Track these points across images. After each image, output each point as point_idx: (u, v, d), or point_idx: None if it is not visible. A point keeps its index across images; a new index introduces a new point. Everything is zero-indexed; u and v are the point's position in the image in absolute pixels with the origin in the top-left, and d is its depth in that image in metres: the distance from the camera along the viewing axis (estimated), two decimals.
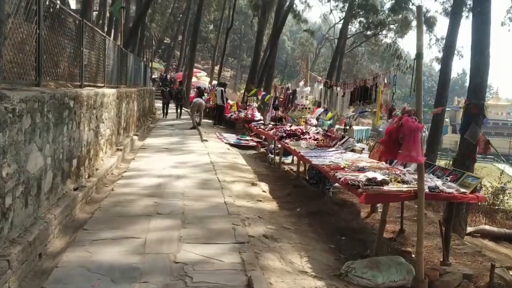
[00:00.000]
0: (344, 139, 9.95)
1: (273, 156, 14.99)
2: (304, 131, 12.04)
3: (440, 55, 39.09)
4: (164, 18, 59.45)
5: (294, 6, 36.28)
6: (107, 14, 34.68)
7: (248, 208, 8.28)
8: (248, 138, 18.20)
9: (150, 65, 53.29)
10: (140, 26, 33.18)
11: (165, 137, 17.62)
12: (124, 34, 27.35)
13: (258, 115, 20.73)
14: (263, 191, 9.75)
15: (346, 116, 10.72)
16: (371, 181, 6.15)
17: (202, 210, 7.82)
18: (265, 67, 30.83)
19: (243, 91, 38.50)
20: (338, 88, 10.18)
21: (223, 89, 22.70)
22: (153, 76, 49.37)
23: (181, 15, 58.57)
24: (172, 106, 27.54)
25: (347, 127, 12.41)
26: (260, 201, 8.93)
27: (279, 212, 8.34)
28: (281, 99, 14.74)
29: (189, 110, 25.86)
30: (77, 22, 8.99)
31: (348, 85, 9.60)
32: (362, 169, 7.24)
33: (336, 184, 8.89)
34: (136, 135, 17.03)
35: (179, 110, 25.96)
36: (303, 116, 12.65)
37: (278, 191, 9.98)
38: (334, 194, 10.39)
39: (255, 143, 17.19)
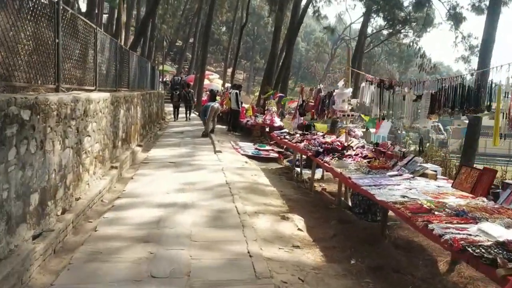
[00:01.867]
0: (409, 158, 7.26)
1: (299, 170, 12.36)
2: (345, 144, 9.37)
3: (466, 53, 36.25)
4: (176, 19, 57.09)
5: (313, 1, 33.69)
6: (115, 15, 32.30)
7: (283, 262, 5.71)
8: (268, 147, 15.57)
9: (161, 68, 51.10)
10: (149, 25, 30.80)
11: (172, 148, 15.05)
12: (133, 34, 25.14)
13: (278, 121, 18.10)
14: (299, 229, 7.14)
15: (424, 129, 7.94)
16: (504, 247, 3.49)
17: (217, 268, 5.31)
18: (281, 68, 28.24)
19: (257, 93, 35.87)
20: (406, 89, 7.47)
21: (237, 91, 20.11)
22: (165, 79, 47.18)
23: (192, 17, 56.20)
24: (182, 110, 26.72)
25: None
26: (297, 247, 6.35)
27: (327, 268, 5.72)
28: (312, 104, 12.09)
29: (198, 113, 26.06)
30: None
31: (425, 85, 6.90)
32: (462, 214, 4.57)
33: (391, 213, 6.28)
34: (139, 145, 14.51)
35: (188, 112, 26.03)
36: (343, 126, 9.88)
37: (318, 229, 7.34)
38: (390, 230, 7.74)
39: (276, 154, 14.54)
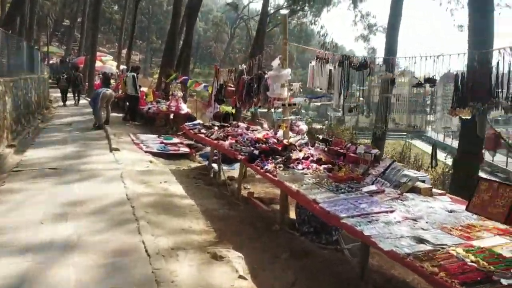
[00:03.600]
0: (385, 164, 5.16)
1: (216, 168, 9.98)
2: (286, 142, 7.09)
3: (365, 32, 35.96)
4: None
5: None
6: None
7: None
8: (175, 140, 12.91)
9: (46, 49, 45.43)
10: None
11: (57, 146, 11.79)
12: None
13: (184, 107, 15.40)
14: (240, 276, 4.77)
15: (447, 130, 5.73)
16: None
17: None
18: (183, 47, 25.29)
19: (156, 76, 32.55)
20: (397, 70, 5.26)
21: (135, 74, 16.99)
22: (51, 62, 41.98)
23: None
24: (71, 95, 24.37)
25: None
26: None
27: None
28: (231, 88, 9.63)
29: (88, 98, 24.28)
30: None
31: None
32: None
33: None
34: (11, 145, 11.14)
35: (76, 97, 24.15)
36: (282, 117, 7.48)
37: (268, 272, 5.03)
38: (352, 255, 5.67)
39: (187, 149, 11.95)
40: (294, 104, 7.18)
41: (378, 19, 36.01)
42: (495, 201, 3.99)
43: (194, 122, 11.07)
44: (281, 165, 5.91)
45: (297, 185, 5.10)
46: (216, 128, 9.36)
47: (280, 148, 6.73)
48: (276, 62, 7.22)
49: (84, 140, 12.83)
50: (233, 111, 10.88)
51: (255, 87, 8.09)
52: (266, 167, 5.97)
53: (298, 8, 35.70)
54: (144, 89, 20.97)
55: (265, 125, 15.76)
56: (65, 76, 24.77)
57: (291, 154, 6.30)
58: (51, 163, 9.77)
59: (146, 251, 5.22)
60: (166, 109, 15.45)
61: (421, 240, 3.49)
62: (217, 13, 62.82)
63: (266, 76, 7.63)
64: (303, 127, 7.49)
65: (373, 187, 4.84)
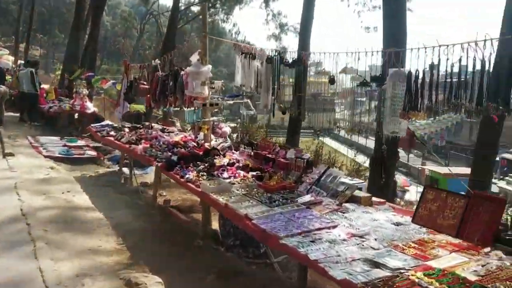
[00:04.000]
0: (321, 171, 4.67)
1: (128, 172, 9.10)
2: (208, 146, 6.39)
3: (277, 31, 36.11)
4: None
5: None
6: None
7: None
8: (80, 143, 11.69)
9: None
10: None
11: None
12: None
13: (90, 106, 14.07)
14: None
15: (392, 133, 5.04)
16: None
17: None
18: (88, 42, 23.52)
19: (59, 72, 30.17)
20: (337, 67, 4.70)
21: (33, 70, 15.28)
22: None
23: None
24: None
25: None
26: None
27: None
28: (144, 86, 8.66)
29: None
30: None
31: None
32: None
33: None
34: None
35: None
36: (203, 119, 6.71)
37: None
38: (283, 269, 5.17)
39: (94, 152, 10.81)
40: (217, 104, 6.50)
41: (289, 18, 36.15)
42: (444, 212, 3.63)
43: (102, 123, 9.97)
44: (204, 173, 5.22)
45: (225, 197, 4.45)
46: (126, 130, 8.40)
47: (201, 153, 6.03)
48: (195, 58, 6.50)
49: None
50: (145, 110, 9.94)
51: (170, 85, 7.28)
52: (187, 175, 5.24)
53: (210, 5, 34.92)
54: (45, 86, 19.11)
55: (178, 124, 14.97)
56: None
57: (214, 160, 5.63)
58: None
59: (44, 281, 4.32)
60: (70, 108, 14.03)
61: (375, 264, 3.00)
62: (126, 8, 60.15)
63: (182, 73, 6.87)
64: (227, 129, 6.81)
65: (308, 197, 4.33)
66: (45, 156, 10.09)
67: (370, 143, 39.65)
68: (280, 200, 4.29)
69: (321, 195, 4.44)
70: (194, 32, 54.78)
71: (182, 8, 43.90)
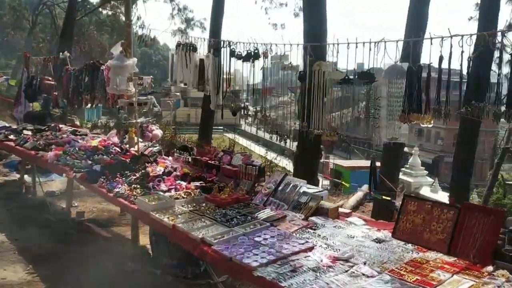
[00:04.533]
0: (278, 179, 4.07)
1: (30, 180, 7.86)
2: (133, 151, 5.49)
3: (183, 26, 34.97)
4: None
5: None
6: None
7: None
8: None
9: None
10: None
11: None
12: None
13: None
14: None
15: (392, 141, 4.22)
16: None
17: None
18: None
19: None
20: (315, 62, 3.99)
21: None
22: None
23: None
24: None
25: None
26: None
27: None
28: (49, 81, 7.41)
29: None
30: None
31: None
32: None
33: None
34: None
35: None
36: (129, 120, 5.70)
37: None
38: None
39: None
40: (145, 104, 5.59)
41: (195, 13, 35.14)
42: (431, 225, 3.22)
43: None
44: (137, 186, 4.37)
45: (169, 216, 3.67)
46: (29, 133, 7.14)
47: (128, 161, 5.14)
48: (117, 49, 5.53)
49: None
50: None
51: (86, 81, 6.21)
52: (116, 189, 4.35)
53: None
54: None
55: (77, 123, 13.57)
56: None
57: (147, 169, 4.79)
58: None
59: None
60: None
61: None
62: None
63: (103, 67, 5.86)
64: (158, 132, 5.89)
65: (268, 211, 3.71)
66: None
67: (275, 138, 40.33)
68: (238, 217, 3.62)
69: (281, 208, 3.85)
70: (93, 25, 51.61)
71: None
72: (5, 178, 8.73)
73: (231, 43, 4.51)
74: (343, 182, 20.69)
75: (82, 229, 6.29)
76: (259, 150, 29.19)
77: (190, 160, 5.01)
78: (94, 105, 6.39)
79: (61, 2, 48.18)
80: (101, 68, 5.93)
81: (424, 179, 18.46)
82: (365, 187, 12.69)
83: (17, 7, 51.13)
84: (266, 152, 25.13)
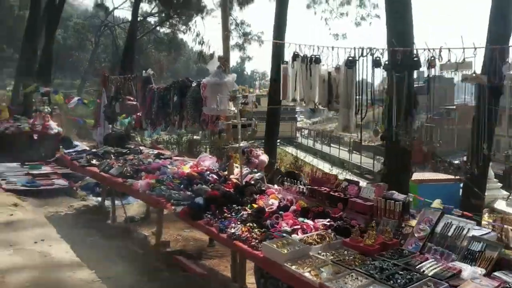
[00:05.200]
0: (433, 218, 3.22)
1: (110, 205, 7.33)
2: (234, 179, 4.79)
3: (241, 41, 34.74)
4: None
5: None
6: None
7: None
8: (46, 169, 9.78)
9: None
10: None
11: None
12: None
13: (54, 126, 12.05)
14: None
15: None
16: None
17: None
18: (42, 56, 21.35)
19: (10, 88, 27.56)
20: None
21: None
22: None
23: None
24: None
25: None
26: None
27: None
28: (131, 102, 6.88)
29: None
30: None
31: None
32: None
33: None
34: None
35: None
36: (231, 144, 4.96)
37: None
38: None
39: (65, 182, 8.91)
40: (249, 125, 4.84)
41: (253, 27, 34.77)
42: None
43: (77, 148, 8.10)
44: (253, 225, 3.63)
45: (309, 269, 2.89)
46: (112, 157, 6.63)
47: (232, 192, 4.43)
48: (214, 65, 4.84)
49: None
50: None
51: (175, 100, 5.56)
52: (231, 230, 3.61)
53: (172, 14, 33.35)
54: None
55: (137, 139, 13.11)
56: None
57: (258, 202, 4.05)
58: None
59: None
60: (30, 129, 11.96)
61: None
62: (78, 20, 57.01)
63: (193, 84, 5.19)
64: (264, 157, 5.11)
65: (434, 263, 2.86)
66: (5, 190, 8.13)
67: (334, 151, 38.97)
68: (399, 272, 2.78)
69: (448, 258, 2.98)
70: (151, 44, 52.67)
71: (142, 18, 42.05)
72: (84, 203, 8.31)
73: (374, 50, 3.67)
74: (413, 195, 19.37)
75: (171, 262, 5.65)
76: (323, 165, 28.02)
77: (305, 190, 4.22)
78: (183, 127, 5.75)
79: (121, 23, 49.55)
80: (193, 85, 5.29)
81: (498, 192, 16.90)
82: (436, 202, 11.45)
83: (81, 30, 53.16)
84: (331, 169, 24.04)
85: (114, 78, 7.59)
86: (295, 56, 4.35)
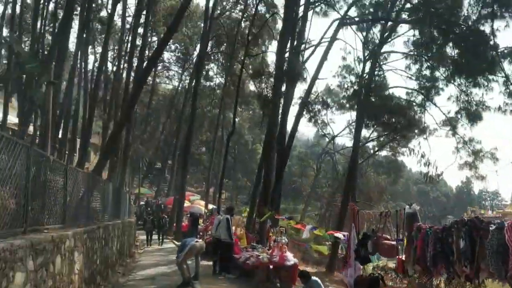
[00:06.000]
0: None
1: None
2: None
3: (470, 159, 31.52)
4: (154, 140, 52.68)
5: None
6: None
7: None
8: None
9: (138, 191, 45.66)
10: (119, 142, 25.08)
11: None
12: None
13: (291, 257, 11.74)
14: None
15: None
16: None
17: None
18: (275, 184, 22.46)
19: (245, 214, 29.81)
20: None
21: (229, 216, 14.02)
22: (141, 203, 41.21)
23: (171, 137, 51.79)
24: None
25: None
26: None
27: None
28: (389, 243, 5.87)
29: (175, 240, 23.56)
30: None
31: None
32: None
33: None
34: None
35: (161, 239, 24.27)
36: None
37: None
38: None
39: None
40: None
41: (483, 144, 31.31)
42: None
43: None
44: None
45: None
46: None
47: None
48: None
49: None
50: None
51: (462, 247, 4.24)
52: None
53: (393, 138, 32.79)
54: (238, 231, 17.78)
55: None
56: (151, 218, 25.21)
57: None
58: None
59: None
60: (268, 260, 11.86)
61: None
62: (301, 149, 61.64)
63: (491, 227, 3.88)
64: None
65: None
66: None
67: None
68: None
69: None
70: (369, 167, 52.42)
71: (363, 143, 42.70)
72: None
73: None
74: None
75: None
76: None
77: None
78: (480, 281, 4.34)
79: (341, 149, 51.03)
80: (488, 227, 3.99)
81: None
82: None
83: (304, 158, 56.91)
84: None
85: (366, 213, 6.77)
86: None
